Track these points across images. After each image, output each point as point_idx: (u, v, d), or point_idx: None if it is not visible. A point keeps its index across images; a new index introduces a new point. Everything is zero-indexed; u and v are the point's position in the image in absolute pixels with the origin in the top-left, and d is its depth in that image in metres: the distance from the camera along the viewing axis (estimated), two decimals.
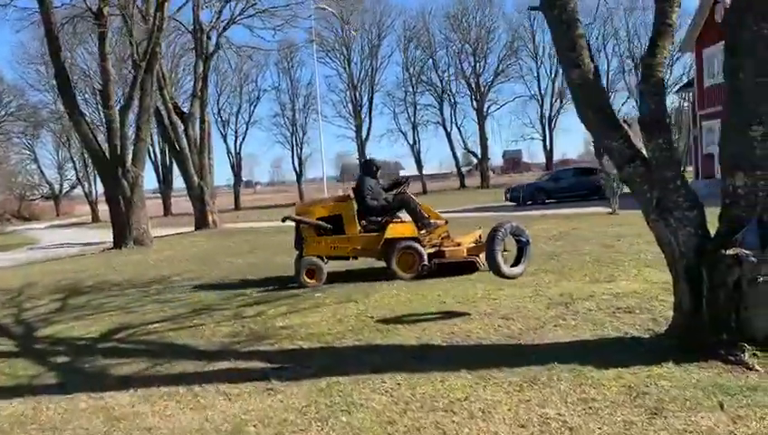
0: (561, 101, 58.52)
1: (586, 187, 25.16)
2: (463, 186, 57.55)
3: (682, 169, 5.08)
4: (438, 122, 58.38)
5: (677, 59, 49.50)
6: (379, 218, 8.79)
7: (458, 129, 60.20)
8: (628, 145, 5.05)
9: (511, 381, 4.31)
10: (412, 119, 58.13)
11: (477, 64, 57.10)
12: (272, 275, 10.27)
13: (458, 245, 8.91)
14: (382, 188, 9.18)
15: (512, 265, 6.38)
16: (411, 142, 58.77)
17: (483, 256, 8.65)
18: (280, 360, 5.32)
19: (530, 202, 25.33)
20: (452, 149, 59.63)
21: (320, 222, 8.74)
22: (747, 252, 4.30)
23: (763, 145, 4.42)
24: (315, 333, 6.06)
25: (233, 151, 58.13)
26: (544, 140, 59.46)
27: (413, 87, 57.58)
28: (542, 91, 58.84)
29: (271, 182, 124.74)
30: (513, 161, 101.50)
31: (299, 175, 60.89)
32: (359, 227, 8.79)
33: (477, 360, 4.80)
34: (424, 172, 60.15)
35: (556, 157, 63.54)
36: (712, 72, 25.32)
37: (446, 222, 9.29)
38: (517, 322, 5.87)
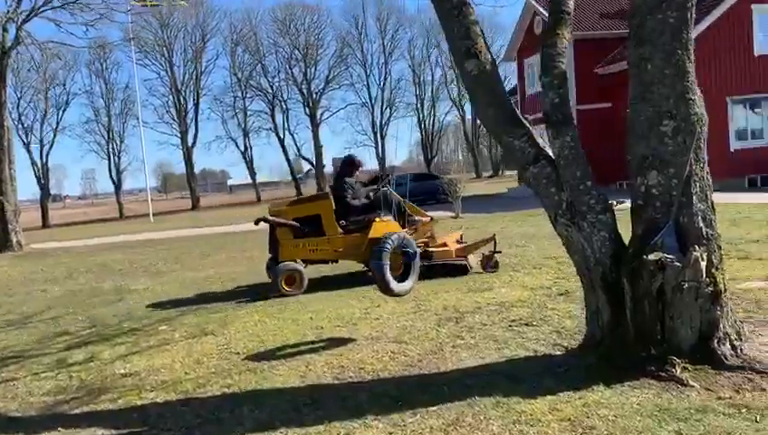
0: (391, 109, 60.02)
1: (425, 191, 25.63)
2: (299, 193, 56.56)
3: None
4: (271, 129, 56.96)
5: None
6: (362, 217, 8.08)
7: (291, 135, 59.23)
8: (531, 143, 4.58)
9: (432, 426, 3.56)
10: (243, 125, 56.10)
11: (308, 71, 56.58)
12: (99, 304, 8.64)
13: (444, 245, 8.37)
14: (362, 184, 8.64)
15: (399, 281, 5.67)
16: (242, 149, 56.64)
17: (472, 257, 8.36)
18: (126, 422, 4.10)
19: None
20: (286, 156, 58.52)
21: (294, 223, 7.96)
22: (670, 256, 3.97)
23: (675, 140, 4.13)
24: (169, 381, 4.86)
25: (38, 162, 51.70)
26: (376, 147, 60.50)
27: (242, 92, 55.63)
28: (373, 100, 59.84)
29: (83, 195, 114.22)
30: None
31: (117, 186, 55.85)
32: (339, 229, 8.05)
33: (382, 400, 4.00)
34: (257, 180, 58.23)
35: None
36: (533, 81, 27.04)
37: (432, 219, 8.83)
38: (411, 345, 5.16)
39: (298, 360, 5.07)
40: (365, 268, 8.35)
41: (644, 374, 3.88)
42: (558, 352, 4.63)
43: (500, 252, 8.42)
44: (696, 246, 4.02)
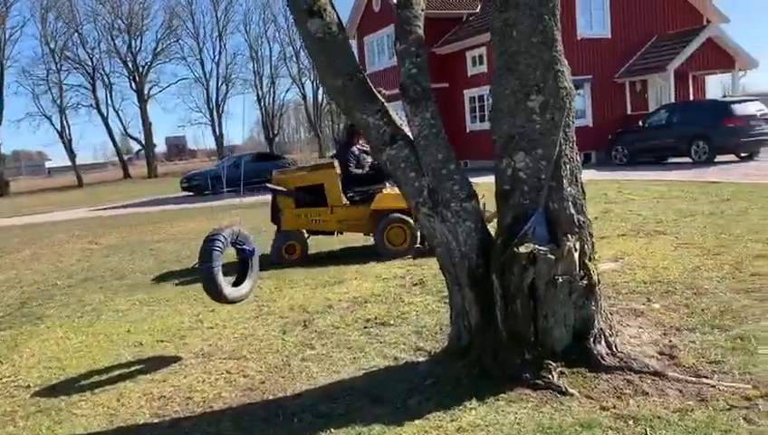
0: (228, 86, 57.30)
1: (267, 172, 24.51)
2: (128, 176, 52.20)
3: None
4: (92, 105, 51.83)
5: None
6: (366, 188, 7.79)
7: (117, 112, 54.47)
8: (387, 121, 3.93)
9: None
10: (58, 101, 50.40)
11: (133, 42, 52.17)
12: None
13: None
14: (366, 153, 8.01)
15: (234, 285, 4.79)
16: (59, 128, 50.96)
17: None
18: None
19: (207, 192, 23.47)
20: (110, 135, 53.75)
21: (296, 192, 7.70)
22: (543, 248, 3.54)
23: (543, 117, 3.69)
24: None
25: None
26: (213, 125, 57.52)
27: (56, 64, 49.88)
28: (207, 75, 56.67)
29: None
30: (178, 148, 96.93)
31: None
32: (344, 199, 7.78)
33: None
34: (77, 162, 52.81)
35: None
36: (373, 60, 26.77)
37: None
38: (252, 361, 4.35)
39: (108, 391, 4.06)
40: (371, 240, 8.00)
41: (519, 383, 3.42)
42: (421, 358, 4.08)
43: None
44: (569, 235, 3.63)
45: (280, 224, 7.87)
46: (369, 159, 7.96)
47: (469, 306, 3.80)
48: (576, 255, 3.62)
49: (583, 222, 3.79)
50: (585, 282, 3.64)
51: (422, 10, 3.99)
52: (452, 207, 3.78)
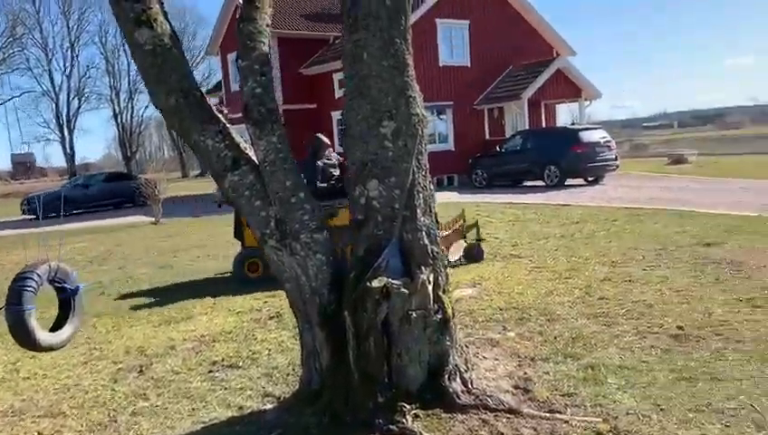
0: (81, 100, 53.50)
1: (120, 194, 22.94)
2: None
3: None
4: None
5: (199, 62, 50.66)
6: (331, 203, 7.01)
7: None
8: (228, 144, 3.57)
9: None
10: None
11: None
12: None
13: None
14: (332, 166, 7.65)
15: (52, 329, 4.13)
16: None
17: (452, 248, 7.23)
18: None
19: (53, 214, 21.39)
20: None
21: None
22: (396, 282, 3.33)
23: (396, 144, 3.51)
24: None
25: None
26: (63, 143, 53.27)
27: None
28: (57, 88, 52.52)
29: None
30: (25, 166, 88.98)
31: None
32: None
33: None
34: None
35: (77, 161, 57.71)
36: (237, 77, 26.01)
37: None
38: (73, 418, 3.76)
39: None
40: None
41: (372, 430, 3.17)
42: (270, 405, 3.71)
43: (483, 240, 7.74)
44: (423, 267, 3.46)
45: (243, 240, 7.52)
46: (337, 173, 7.71)
47: (320, 346, 3.50)
48: (430, 287, 3.45)
49: (437, 253, 3.64)
50: (440, 316, 3.48)
51: (267, 25, 3.68)
52: (302, 239, 3.48)
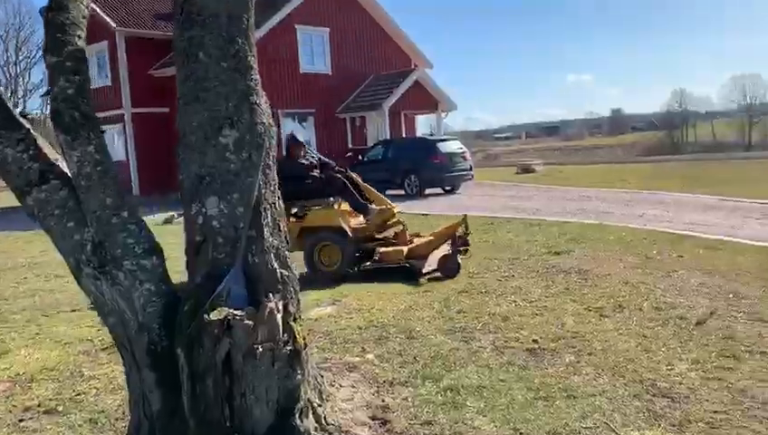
0: None
1: None
2: None
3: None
4: None
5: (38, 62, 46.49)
6: (307, 203, 7.30)
7: None
8: (34, 154, 3.00)
9: None
10: None
11: None
12: None
13: (409, 243, 7.29)
14: (311, 165, 7.61)
15: None
16: None
17: (434, 257, 6.99)
18: None
19: None
20: None
21: None
22: (239, 312, 2.95)
23: (238, 156, 3.14)
24: None
25: None
26: None
27: None
28: None
29: None
30: None
31: None
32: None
33: None
34: None
35: None
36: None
37: (393, 209, 7.50)
38: None
39: None
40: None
41: None
42: None
43: (469, 233, 7.29)
44: (271, 294, 3.11)
45: None
46: (315, 173, 7.55)
47: (149, 390, 3.03)
48: (279, 316, 3.10)
49: (288, 277, 3.31)
50: (290, 348, 3.13)
51: (84, 17, 3.16)
52: (125, 267, 2.99)
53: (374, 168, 18.61)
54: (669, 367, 3.86)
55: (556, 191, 16.79)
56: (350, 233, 7.02)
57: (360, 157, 19.51)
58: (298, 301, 3.36)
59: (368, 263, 7.14)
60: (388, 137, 21.31)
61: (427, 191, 17.71)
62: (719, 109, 70.60)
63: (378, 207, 7.34)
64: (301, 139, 7.84)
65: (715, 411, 3.25)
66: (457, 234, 7.05)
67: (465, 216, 7.35)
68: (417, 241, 7.36)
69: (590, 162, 36.17)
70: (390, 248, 7.14)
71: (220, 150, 3.11)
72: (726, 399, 3.38)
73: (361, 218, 7.30)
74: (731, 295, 5.44)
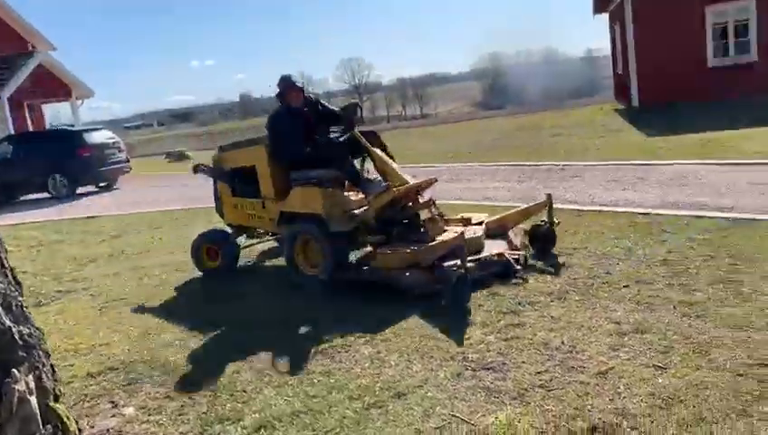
0: None
1: None
2: None
3: None
4: None
5: None
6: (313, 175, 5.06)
7: None
8: None
9: None
10: None
11: None
12: None
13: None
14: (317, 121, 5.38)
15: None
16: None
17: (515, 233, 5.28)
18: None
19: None
20: None
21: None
22: None
23: None
24: None
25: None
26: None
27: None
28: None
29: None
30: None
31: None
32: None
33: None
34: None
35: None
36: None
37: (392, 188, 4.95)
38: None
39: None
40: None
41: None
42: None
43: (557, 223, 5.26)
44: (16, 370, 1.96)
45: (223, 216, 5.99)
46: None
47: None
48: (33, 399, 1.98)
49: (30, 335, 2.15)
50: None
51: None
52: None
53: (2, 171, 15.29)
54: (467, 336, 3.76)
55: None
56: (331, 224, 4.85)
57: None
58: (52, 367, 2.23)
59: (365, 268, 4.95)
60: (13, 132, 17.76)
61: (80, 190, 15.30)
62: (335, 89, 79.28)
63: (382, 185, 5.07)
64: (298, 82, 5.43)
65: (538, 372, 3.23)
66: (514, 230, 5.41)
67: (550, 196, 5.29)
68: (448, 233, 4.98)
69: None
70: (385, 253, 4.82)
71: None
72: (537, 357, 3.40)
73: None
74: None
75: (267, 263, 6.20)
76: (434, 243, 4.74)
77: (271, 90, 5.67)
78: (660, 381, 3.00)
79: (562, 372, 3.18)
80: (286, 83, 5.30)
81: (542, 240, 5.20)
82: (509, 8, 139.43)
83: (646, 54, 16.52)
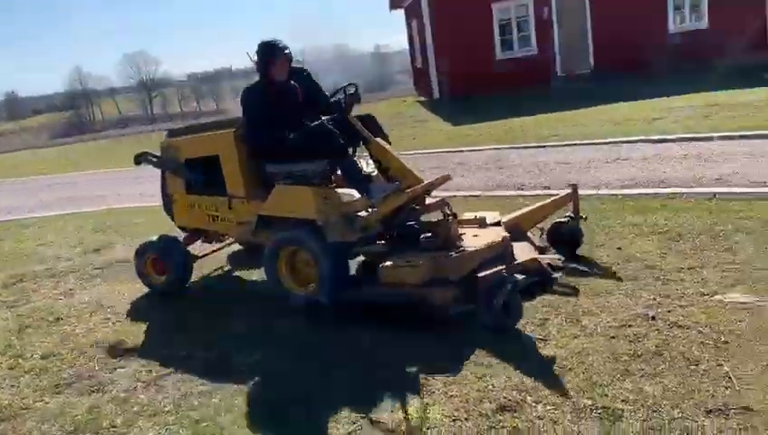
0: None
1: None
2: None
3: None
4: None
5: None
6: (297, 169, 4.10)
7: None
8: None
9: None
10: None
11: None
12: None
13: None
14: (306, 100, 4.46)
15: None
16: None
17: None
18: None
19: None
20: None
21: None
22: None
23: None
24: None
25: None
26: None
27: None
28: None
29: None
30: None
31: None
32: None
33: None
34: None
35: None
36: None
37: (406, 189, 4.02)
38: None
39: None
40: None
41: None
42: None
43: (583, 218, 4.45)
44: None
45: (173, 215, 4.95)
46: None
47: None
48: None
49: None
50: None
51: None
52: None
53: None
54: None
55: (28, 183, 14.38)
56: (329, 233, 3.89)
57: None
58: None
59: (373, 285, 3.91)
60: None
61: None
62: (120, 85, 74.27)
63: (390, 187, 4.07)
64: (288, 50, 4.24)
65: None
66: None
67: (575, 187, 4.52)
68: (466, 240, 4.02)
69: (12, 150, 31.65)
70: (395, 266, 3.79)
71: None
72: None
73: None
74: None
75: (235, 272, 5.26)
76: (470, 250, 3.80)
77: (247, 60, 4.23)
78: (546, 352, 3.18)
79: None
80: (270, 49, 4.19)
81: (569, 240, 4.48)
82: (297, 4, 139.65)
83: (443, 49, 17.50)
